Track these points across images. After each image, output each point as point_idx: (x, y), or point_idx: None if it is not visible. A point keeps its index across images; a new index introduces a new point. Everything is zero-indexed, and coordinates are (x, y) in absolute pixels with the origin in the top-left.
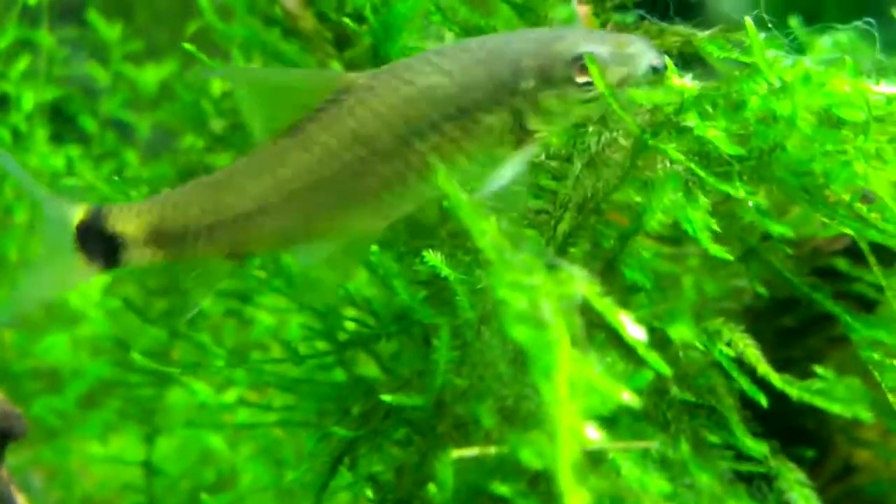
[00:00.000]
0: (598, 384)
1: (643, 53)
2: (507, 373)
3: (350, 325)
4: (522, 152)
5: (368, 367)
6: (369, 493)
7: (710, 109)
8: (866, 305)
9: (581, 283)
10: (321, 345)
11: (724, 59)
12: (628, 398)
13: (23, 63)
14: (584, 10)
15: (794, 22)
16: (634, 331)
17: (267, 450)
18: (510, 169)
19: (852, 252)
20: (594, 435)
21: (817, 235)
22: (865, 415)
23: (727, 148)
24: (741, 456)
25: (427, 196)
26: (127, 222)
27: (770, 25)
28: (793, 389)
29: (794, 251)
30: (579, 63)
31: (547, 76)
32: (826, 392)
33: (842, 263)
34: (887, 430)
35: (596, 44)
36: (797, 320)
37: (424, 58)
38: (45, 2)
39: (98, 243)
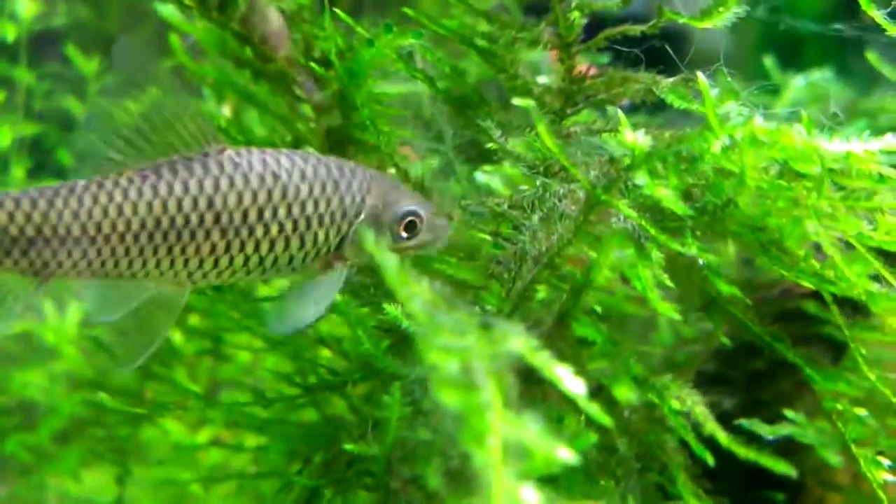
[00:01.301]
0: (533, 445)
1: (446, 229)
2: (454, 431)
3: (321, 367)
4: (332, 277)
5: (341, 405)
6: None
7: (659, 167)
8: (836, 348)
9: (516, 339)
10: (288, 389)
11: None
12: (567, 456)
13: None
14: (551, 55)
15: (768, 62)
16: (572, 384)
17: (243, 487)
18: (325, 291)
19: (821, 295)
20: (531, 497)
21: (786, 278)
22: (835, 459)
23: (676, 208)
24: None
25: (244, 279)
26: None
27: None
28: (739, 449)
29: (762, 293)
30: (406, 220)
31: (377, 218)
32: (797, 436)
33: (811, 306)
34: (858, 473)
35: (422, 208)
36: (767, 363)
37: (290, 157)
38: (24, 38)
39: None
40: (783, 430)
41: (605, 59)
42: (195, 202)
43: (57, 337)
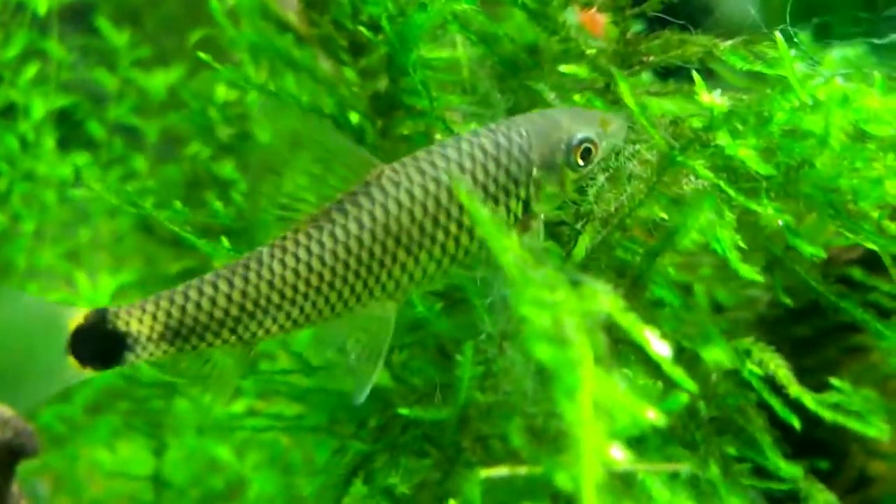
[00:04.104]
0: (623, 404)
1: (622, 128)
2: (533, 389)
3: None
4: (534, 232)
5: (378, 376)
6: None
7: (739, 127)
8: (883, 314)
9: (605, 298)
10: (331, 355)
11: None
12: (654, 417)
13: (32, 71)
14: (599, 19)
15: (802, 37)
16: (660, 347)
17: (275, 458)
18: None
19: (867, 261)
20: (620, 456)
21: (832, 245)
22: (882, 428)
23: (758, 167)
24: (763, 474)
25: (441, 283)
26: (140, 322)
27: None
28: (826, 412)
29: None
30: (579, 148)
31: (550, 164)
32: (842, 404)
33: (857, 273)
34: None
35: (587, 127)
36: (812, 330)
37: (443, 154)
38: (55, 9)
39: (98, 345)
40: (829, 398)
41: (638, 25)
42: (373, 235)
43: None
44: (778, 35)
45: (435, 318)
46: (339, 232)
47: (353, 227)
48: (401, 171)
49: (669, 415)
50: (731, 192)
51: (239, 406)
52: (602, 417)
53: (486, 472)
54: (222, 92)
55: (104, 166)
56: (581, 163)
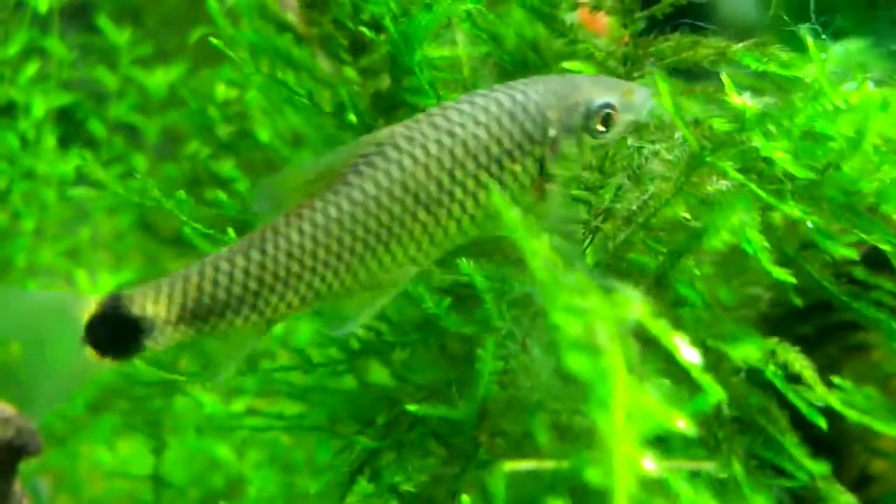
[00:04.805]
0: (655, 413)
1: (646, 100)
2: (557, 386)
3: (362, 333)
4: (552, 197)
5: (379, 374)
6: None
7: (773, 129)
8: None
9: (636, 304)
10: (333, 352)
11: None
12: (684, 426)
13: (32, 68)
14: (599, 16)
15: (802, 31)
16: (689, 354)
17: (275, 457)
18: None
19: (870, 260)
20: (651, 466)
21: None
22: (883, 426)
23: (796, 170)
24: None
25: (459, 243)
26: (157, 303)
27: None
28: (851, 412)
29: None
30: (599, 114)
31: (568, 126)
32: (845, 402)
33: (860, 272)
34: None
35: (609, 93)
36: (815, 329)
37: (457, 108)
38: (56, 7)
39: (114, 333)
40: (832, 396)
41: (641, 24)
42: (391, 194)
43: None
44: (809, 39)
45: (444, 315)
46: (356, 194)
47: (370, 187)
48: (414, 127)
49: (695, 417)
50: (763, 194)
51: (239, 405)
52: (634, 426)
53: (510, 466)
54: (222, 90)
55: (104, 164)
56: (601, 129)
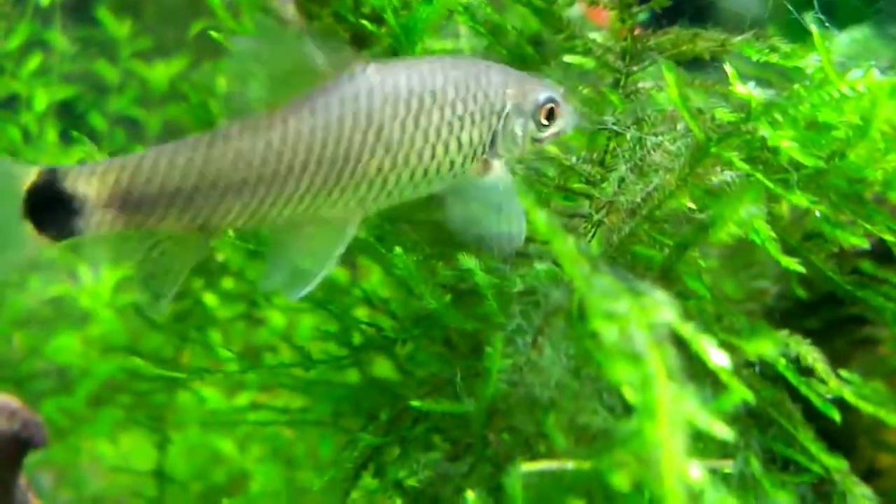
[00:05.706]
0: (696, 420)
1: (575, 113)
2: (572, 386)
3: (365, 327)
4: (499, 180)
5: (382, 368)
6: (398, 501)
7: (779, 118)
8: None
9: (667, 308)
10: (334, 348)
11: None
12: (725, 433)
13: (34, 62)
14: (603, 14)
15: (808, 17)
16: (718, 357)
17: (277, 451)
18: (506, 198)
19: (877, 254)
20: (698, 475)
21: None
22: (891, 418)
23: (804, 159)
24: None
25: (407, 197)
26: (88, 183)
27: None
28: (867, 406)
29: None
30: (546, 106)
31: (520, 108)
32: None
33: (867, 265)
34: None
35: (555, 93)
36: (822, 322)
37: (430, 63)
38: (58, 0)
39: (52, 209)
40: (839, 390)
41: (644, 15)
42: (355, 122)
43: (93, 300)
44: (814, 28)
45: (445, 311)
46: (319, 116)
47: (334, 111)
48: (388, 66)
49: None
50: (770, 184)
51: (242, 399)
52: (679, 434)
53: (528, 466)
54: (223, 83)
55: None
56: (544, 122)
